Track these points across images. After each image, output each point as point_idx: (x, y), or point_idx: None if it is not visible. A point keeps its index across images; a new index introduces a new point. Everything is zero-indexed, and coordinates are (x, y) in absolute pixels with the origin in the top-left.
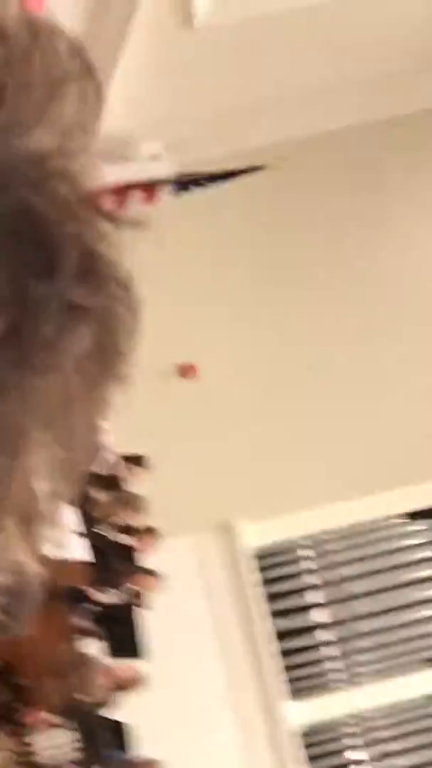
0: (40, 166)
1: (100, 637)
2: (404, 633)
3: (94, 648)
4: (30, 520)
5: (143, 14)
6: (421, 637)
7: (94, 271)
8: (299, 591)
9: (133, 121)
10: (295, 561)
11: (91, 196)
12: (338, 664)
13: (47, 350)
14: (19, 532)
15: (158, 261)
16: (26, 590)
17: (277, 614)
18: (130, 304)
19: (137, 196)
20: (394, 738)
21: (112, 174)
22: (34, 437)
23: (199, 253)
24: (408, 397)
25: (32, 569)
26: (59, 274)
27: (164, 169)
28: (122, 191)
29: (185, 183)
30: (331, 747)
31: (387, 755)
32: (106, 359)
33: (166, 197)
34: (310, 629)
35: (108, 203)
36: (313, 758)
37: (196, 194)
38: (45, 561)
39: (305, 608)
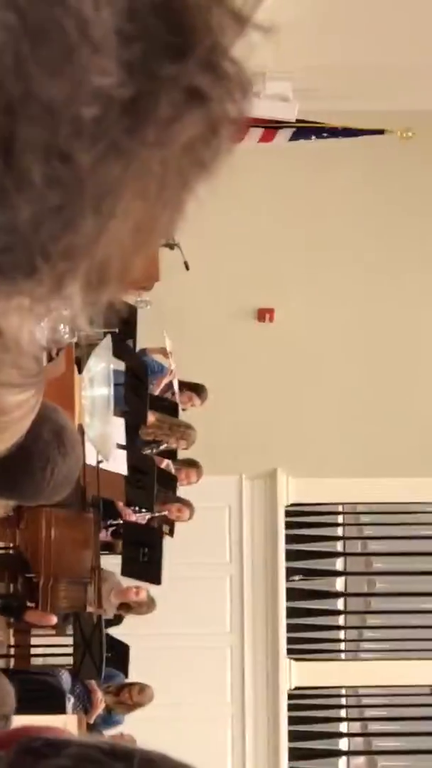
0: None
1: (121, 554)
2: (416, 620)
3: (112, 564)
4: (99, 285)
5: None
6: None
7: (221, 64)
8: (320, 555)
9: (271, 54)
10: (324, 525)
11: None
12: (341, 635)
13: (161, 127)
14: (85, 291)
15: (258, 199)
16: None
17: (292, 572)
18: (242, 107)
19: (257, 131)
20: (384, 719)
21: None
22: (127, 204)
23: (303, 202)
24: None
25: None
26: (189, 59)
27: (289, 112)
28: (243, 122)
29: (306, 130)
30: (317, 714)
31: (369, 734)
32: (207, 153)
33: (282, 139)
34: (321, 594)
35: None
36: (295, 720)
37: (312, 143)
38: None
39: (322, 572)
